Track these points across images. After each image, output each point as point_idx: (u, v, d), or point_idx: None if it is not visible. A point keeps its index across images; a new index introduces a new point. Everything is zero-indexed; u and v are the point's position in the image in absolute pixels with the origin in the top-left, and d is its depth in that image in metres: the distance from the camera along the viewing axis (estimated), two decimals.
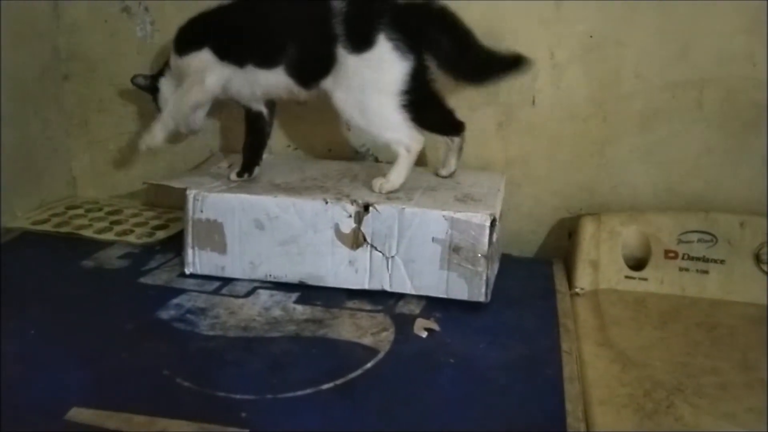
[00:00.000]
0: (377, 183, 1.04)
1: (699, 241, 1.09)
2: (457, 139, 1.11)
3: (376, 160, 1.26)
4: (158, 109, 1.15)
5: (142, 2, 1.25)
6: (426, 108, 1.04)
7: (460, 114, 1.19)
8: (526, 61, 1.02)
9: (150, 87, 1.15)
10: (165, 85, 1.14)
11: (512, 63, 1.02)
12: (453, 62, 1.02)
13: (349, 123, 1.02)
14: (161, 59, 1.25)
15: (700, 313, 1.04)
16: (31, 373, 0.81)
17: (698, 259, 1.09)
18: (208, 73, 1.05)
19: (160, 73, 1.15)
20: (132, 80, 1.16)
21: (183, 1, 1.21)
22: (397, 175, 1.04)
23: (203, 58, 1.05)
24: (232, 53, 1.04)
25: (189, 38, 1.08)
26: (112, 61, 1.30)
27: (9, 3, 1.18)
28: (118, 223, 1.26)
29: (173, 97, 1.10)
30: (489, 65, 1.03)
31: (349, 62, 0.99)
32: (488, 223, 0.96)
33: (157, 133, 1.10)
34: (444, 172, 1.12)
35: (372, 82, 0.99)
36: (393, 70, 0.99)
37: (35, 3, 1.24)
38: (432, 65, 1.02)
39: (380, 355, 0.87)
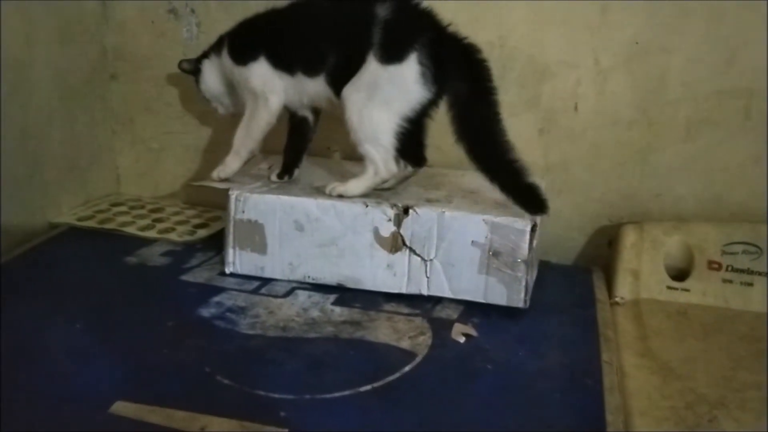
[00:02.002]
0: (332, 184, 1.03)
1: (744, 252, 1.08)
2: (412, 170, 1.09)
3: None
4: (198, 91, 1.16)
5: (189, 4, 1.27)
6: (411, 135, 1.01)
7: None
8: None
9: (193, 70, 1.15)
10: (207, 66, 1.14)
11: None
12: (460, 115, 0.98)
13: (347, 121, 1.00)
14: None
15: (743, 326, 1.02)
16: (77, 366, 0.83)
17: (742, 271, 1.07)
18: (269, 93, 1.06)
19: (204, 56, 1.15)
20: (179, 65, 1.17)
21: (228, 2, 1.24)
22: (356, 187, 1.02)
23: (261, 72, 1.06)
24: (284, 61, 1.05)
25: (246, 47, 1.08)
26: (158, 62, 1.32)
27: (59, 3, 1.21)
28: (160, 220, 1.28)
29: (241, 127, 1.10)
30: (484, 148, 0.98)
31: (372, 67, 0.98)
32: (529, 229, 0.95)
33: (231, 165, 1.10)
34: (384, 185, 1.05)
35: (385, 95, 0.97)
36: (410, 94, 0.97)
37: (85, 3, 1.27)
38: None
39: (418, 359, 0.87)
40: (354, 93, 0.99)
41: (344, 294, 1.02)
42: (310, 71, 1.03)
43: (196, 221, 1.28)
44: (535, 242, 0.96)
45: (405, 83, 0.97)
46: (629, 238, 1.11)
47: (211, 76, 1.14)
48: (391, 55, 0.96)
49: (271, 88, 1.06)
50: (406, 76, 0.96)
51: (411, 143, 1.03)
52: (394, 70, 0.97)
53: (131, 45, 1.32)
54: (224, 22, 1.24)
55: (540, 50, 1.16)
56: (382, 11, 0.97)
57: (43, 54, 1.18)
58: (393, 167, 1.01)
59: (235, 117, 1.13)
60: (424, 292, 1.01)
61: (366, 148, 1.00)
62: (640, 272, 1.09)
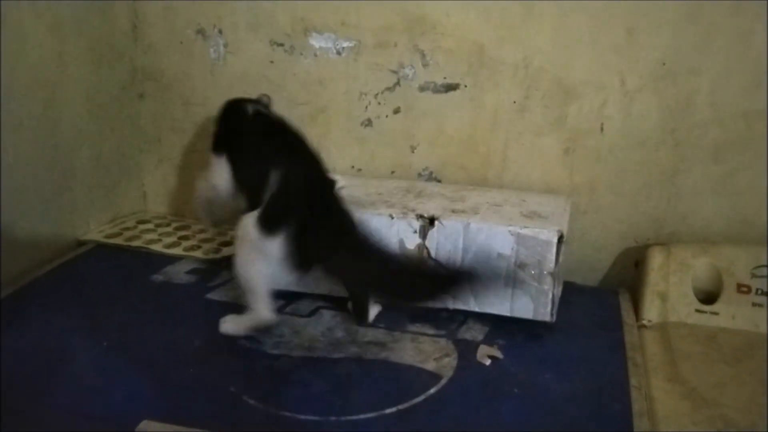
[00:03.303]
0: (228, 318, 0.98)
1: None
2: None
3: (438, 181, 1.27)
4: None
5: (217, 25, 1.28)
6: None
7: (526, 139, 1.20)
8: None
9: None
10: None
11: None
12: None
13: None
14: (234, 81, 1.30)
15: None
16: (105, 384, 0.84)
17: None
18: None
19: None
20: None
21: (256, 23, 1.26)
22: (234, 326, 0.97)
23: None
24: None
25: None
26: (186, 82, 1.33)
27: (91, 25, 1.23)
28: (185, 238, 1.29)
29: None
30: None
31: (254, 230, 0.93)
32: (555, 240, 0.94)
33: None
34: None
35: (259, 255, 0.93)
36: (278, 265, 0.93)
37: (116, 25, 1.29)
38: None
39: (443, 382, 0.86)
40: (239, 240, 0.95)
41: None
42: None
43: (221, 239, 1.29)
44: (561, 255, 0.96)
45: (274, 254, 0.92)
46: (656, 259, 1.10)
47: None
48: (265, 230, 0.92)
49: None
50: (274, 250, 0.92)
51: None
52: (264, 240, 0.92)
53: (160, 65, 1.34)
54: (251, 42, 1.27)
55: (566, 71, 1.16)
56: (273, 178, 0.93)
57: (74, 73, 1.20)
58: (271, 315, 0.96)
59: None
60: (450, 306, 1.00)
61: (246, 294, 0.96)
62: (668, 295, 1.08)
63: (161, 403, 0.81)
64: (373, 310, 1.02)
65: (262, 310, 0.95)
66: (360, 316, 1.01)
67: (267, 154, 0.98)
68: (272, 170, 0.93)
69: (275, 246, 0.91)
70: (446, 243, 0.99)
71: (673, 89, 1.12)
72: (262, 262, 0.93)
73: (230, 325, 0.97)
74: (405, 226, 1.00)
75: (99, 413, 0.79)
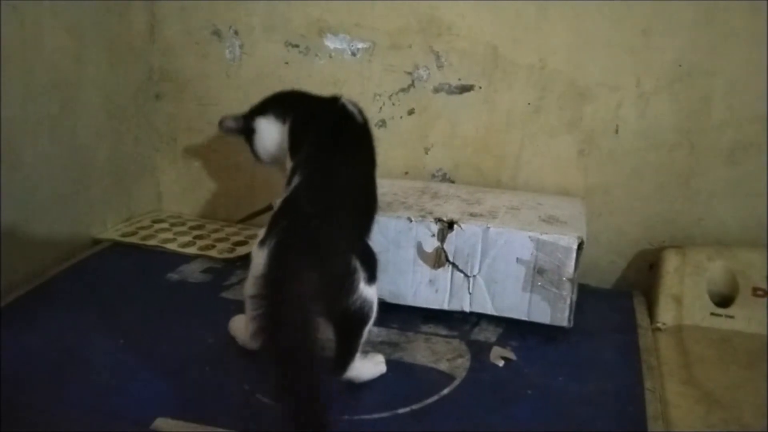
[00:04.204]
0: (237, 319, 0.93)
1: None
2: None
3: (452, 182, 1.27)
4: (253, 154, 1.04)
5: (233, 26, 1.29)
6: None
7: (540, 140, 1.20)
8: None
9: (243, 129, 1.03)
10: (264, 126, 1.01)
11: None
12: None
13: None
14: (249, 81, 1.30)
15: None
16: (119, 381, 0.85)
17: None
18: None
19: (259, 113, 1.03)
20: (220, 125, 1.06)
21: (271, 25, 1.27)
22: (242, 328, 0.89)
23: None
24: None
25: None
26: (201, 82, 1.34)
27: (109, 25, 1.24)
28: (200, 237, 1.30)
29: None
30: None
31: None
32: (575, 246, 0.94)
33: None
34: None
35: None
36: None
37: (133, 25, 1.30)
38: None
39: (456, 382, 0.87)
40: None
41: (382, 314, 1.01)
42: None
43: (236, 238, 1.30)
44: (580, 260, 0.96)
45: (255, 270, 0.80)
46: (672, 262, 1.09)
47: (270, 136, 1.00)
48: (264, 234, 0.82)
49: None
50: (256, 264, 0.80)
51: None
52: (256, 251, 0.83)
53: (176, 66, 1.35)
54: (267, 43, 1.27)
55: (581, 72, 1.15)
56: (294, 180, 0.85)
57: (92, 74, 1.21)
58: None
59: None
60: (466, 309, 1.00)
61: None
62: (683, 298, 1.07)
63: (176, 401, 0.81)
64: (364, 369, 0.86)
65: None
66: (336, 364, 0.83)
67: (304, 152, 0.89)
68: (297, 171, 0.84)
69: (260, 259, 0.77)
70: (465, 247, 0.99)
71: (688, 91, 1.12)
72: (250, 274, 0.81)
73: (236, 326, 0.95)
74: (423, 229, 1.00)
75: (114, 411, 0.80)
